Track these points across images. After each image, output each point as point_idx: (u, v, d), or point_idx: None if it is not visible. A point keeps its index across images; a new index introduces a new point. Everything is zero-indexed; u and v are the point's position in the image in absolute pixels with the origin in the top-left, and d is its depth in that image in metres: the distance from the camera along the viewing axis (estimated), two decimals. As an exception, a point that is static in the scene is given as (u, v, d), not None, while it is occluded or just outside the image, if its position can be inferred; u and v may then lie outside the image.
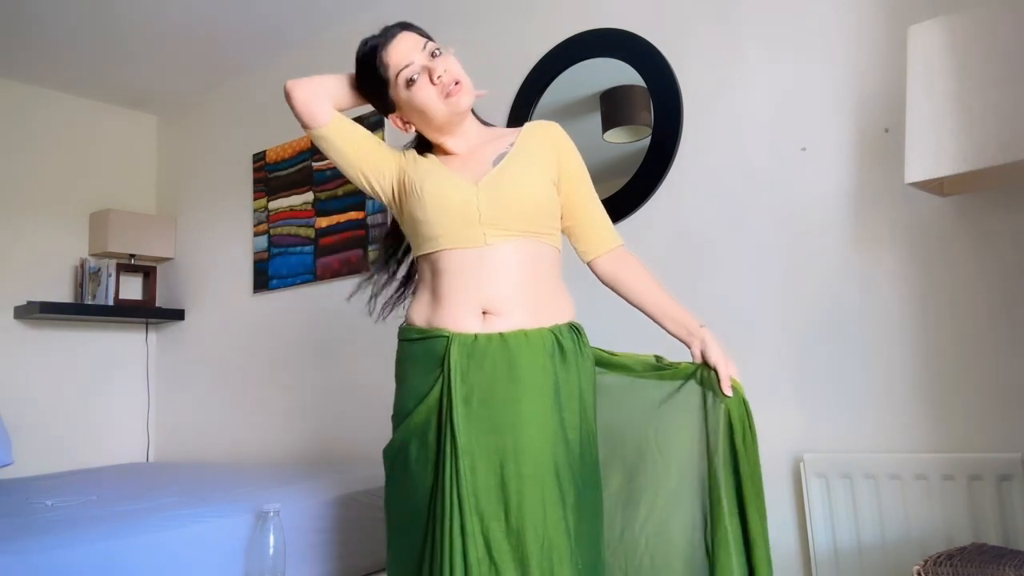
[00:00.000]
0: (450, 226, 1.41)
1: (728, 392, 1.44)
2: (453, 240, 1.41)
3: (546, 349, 1.39)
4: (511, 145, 1.50)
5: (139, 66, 3.45)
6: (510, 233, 1.41)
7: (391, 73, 1.43)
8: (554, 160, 1.51)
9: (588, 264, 1.57)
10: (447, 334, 1.39)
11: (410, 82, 1.42)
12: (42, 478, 2.93)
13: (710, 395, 1.47)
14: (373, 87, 1.48)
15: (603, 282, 1.57)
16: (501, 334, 1.37)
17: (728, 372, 1.46)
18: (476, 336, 1.38)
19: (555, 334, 1.41)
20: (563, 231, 1.56)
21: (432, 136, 1.50)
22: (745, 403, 1.45)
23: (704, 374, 1.48)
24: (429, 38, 1.47)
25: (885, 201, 1.91)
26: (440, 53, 1.44)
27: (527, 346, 1.37)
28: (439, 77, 1.41)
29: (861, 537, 1.81)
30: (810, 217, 2.02)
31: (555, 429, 1.35)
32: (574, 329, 1.46)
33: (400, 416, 1.44)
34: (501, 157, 1.47)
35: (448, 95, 1.42)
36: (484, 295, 1.39)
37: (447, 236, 1.42)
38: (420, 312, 1.46)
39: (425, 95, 1.42)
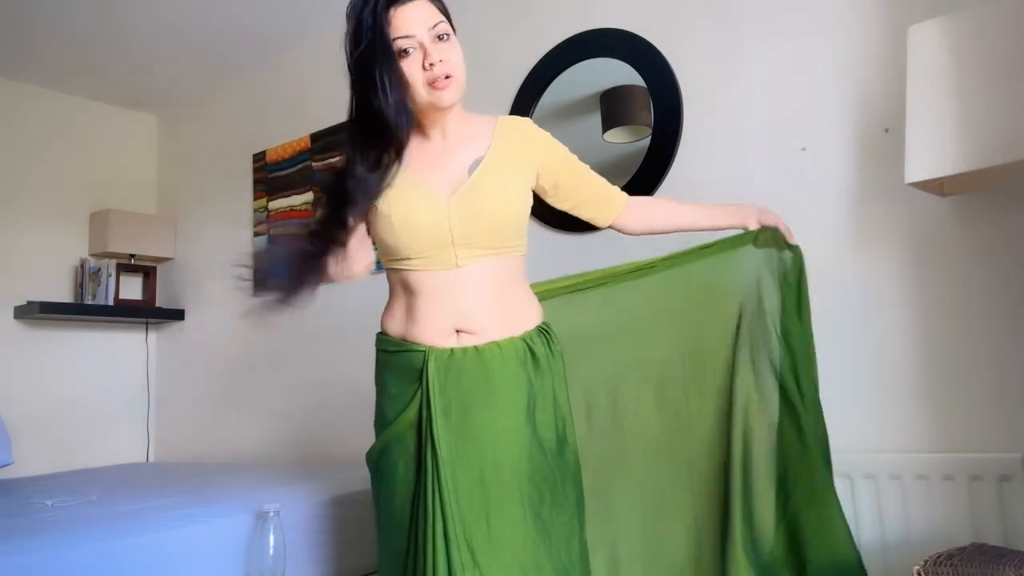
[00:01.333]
0: (421, 250, 1.39)
1: (791, 240, 1.68)
2: (425, 263, 1.40)
3: (519, 358, 1.40)
4: (487, 148, 1.45)
5: (139, 66, 3.45)
6: (481, 251, 1.40)
7: (389, 35, 1.34)
8: (532, 162, 1.49)
9: (611, 227, 1.63)
10: (423, 349, 1.39)
11: (403, 53, 1.35)
12: (42, 478, 2.93)
13: (771, 252, 1.69)
14: (367, 33, 1.35)
15: (635, 234, 1.65)
16: (476, 348, 1.39)
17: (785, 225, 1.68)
18: (452, 351, 1.38)
19: (526, 342, 1.43)
20: (569, 211, 1.59)
21: (412, 108, 1.42)
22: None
23: (761, 236, 1.69)
24: (447, 15, 1.41)
25: (885, 201, 1.91)
26: (447, 38, 1.38)
27: (501, 358, 1.39)
28: (431, 65, 1.35)
29: (861, 537, 1.81)
30: (810, 217, 2.01)
31: (530, 435, 1.38)
32: (543, 332, 1.48)
33: (381, 423, 1.45)
34: (477, 163, 1.43)
35: (434, 86, 1.36)
36: (457, 317, 1.40)
37: (418, 259, 1.40)
38: (395, 324, 1.45)
39: (411, 74, 1.36)
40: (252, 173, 3.49)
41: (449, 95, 1.38)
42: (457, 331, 1.40)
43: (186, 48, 3.30)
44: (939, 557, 1.41)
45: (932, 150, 1.58)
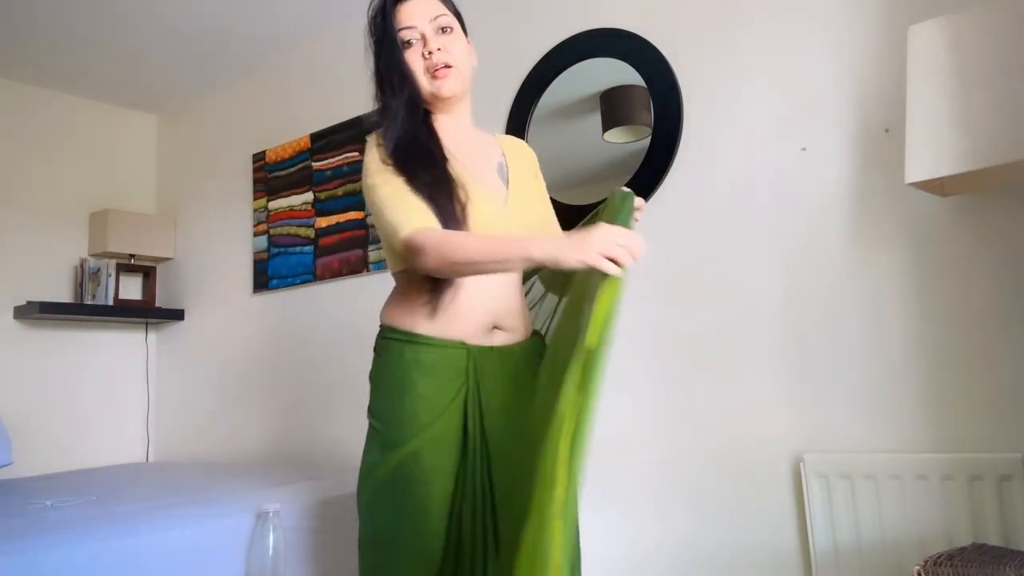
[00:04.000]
0: None
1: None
2: None
3: (538, 356, 1.44)
4: (503, 155, 1.51)
5: (139, 66, 3.45)
6: None
7: (394, 27, 1.40)
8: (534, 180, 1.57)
9: None
10: (463, 345, 1.37)
11: (406, 44, 1.40)
12: (42, 478, 2.92)
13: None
14: (377, 29, 1.43)
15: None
16: (511, 346, 1.41)
17: None
18: (492, 348, 1.39)
19: (538, 341, 1.50)
20: None
21: (426, 100, 1.45)
22: None
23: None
24: (457, 14, 1.45)
25: (885, 201, 1.90)
26: (449, 31, 1.41)
27: (531, 355, 1.43)
28: (430, 53, 1.39)
29: (861, 537, 1.81)
30: (810, 217, 2.02)
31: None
32: (538, 334, 1.54)
33: (407, 425, 1.35)
34: (501, 168, 1.48)
35: (434, 76, 1.40)
36: (497, 313, 1.41)
37: None
38: (419, 319, 1.38)
39: (412, 62, 1.40)
40: (252, 173, 3.49)
41: (449, 84, 1.41)
42: (493, 327, 1.41)
43: (186, 48, 3.30)
44: (939, 557, 1.41)
45: (932, 150, 1.58)
